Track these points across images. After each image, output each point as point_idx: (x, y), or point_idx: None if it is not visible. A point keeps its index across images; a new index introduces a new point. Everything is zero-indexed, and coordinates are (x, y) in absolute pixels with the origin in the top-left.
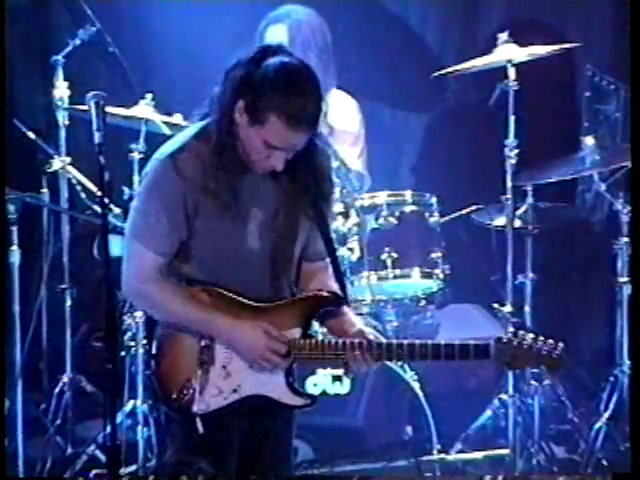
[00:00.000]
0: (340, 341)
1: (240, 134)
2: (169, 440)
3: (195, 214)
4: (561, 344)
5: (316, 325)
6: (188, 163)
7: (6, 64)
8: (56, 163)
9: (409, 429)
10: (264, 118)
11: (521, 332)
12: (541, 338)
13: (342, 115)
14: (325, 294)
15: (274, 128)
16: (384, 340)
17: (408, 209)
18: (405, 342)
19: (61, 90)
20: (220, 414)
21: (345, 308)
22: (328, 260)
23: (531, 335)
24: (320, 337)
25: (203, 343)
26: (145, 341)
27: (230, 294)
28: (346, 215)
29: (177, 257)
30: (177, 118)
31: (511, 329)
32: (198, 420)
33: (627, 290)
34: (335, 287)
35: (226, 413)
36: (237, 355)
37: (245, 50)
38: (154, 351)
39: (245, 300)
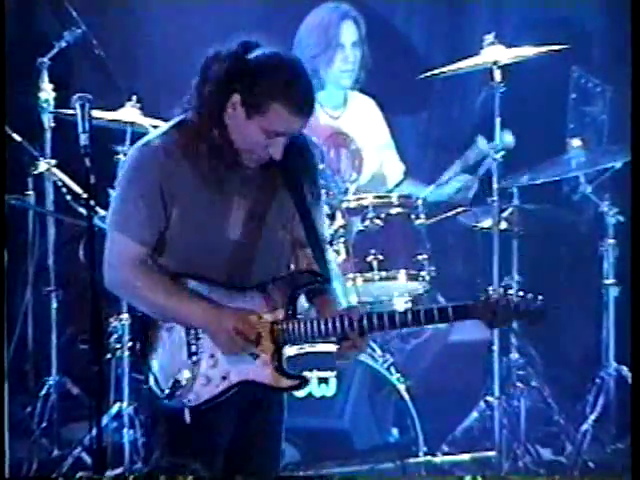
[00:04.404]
0: (322, 320)
1: (233, 127)
2: (155, 441)
3: (172, 203)
4: (540, 297)
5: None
6: (167, 150)
7: None
8: (42, 165)
9: (395, 431)
10: (265, 108)
11: (500, 289)
12: (520, 293)
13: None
14: (303, 274)
15: (277, 115)
16: (363, 313)
17: (394, 211)
18: (385, 313)
19: (47, 92)
20: (211, 406)
21: (332, 288)
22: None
23: (510, 291)
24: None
25: (191, 334)
26: (131, 343)
27: (205, 284)
28: (332, 217)
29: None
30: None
31: (490, 288)
32: (186, 411)
33: (613, 292)
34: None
35: (216, 408)
36: (212, 341)
37: (221, 44)
38: (145, 350)
39: (222, 288)
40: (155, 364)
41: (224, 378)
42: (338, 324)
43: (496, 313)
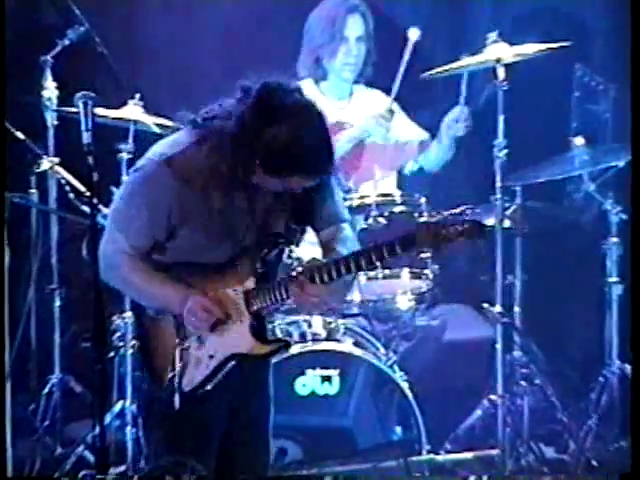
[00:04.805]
0: (282, 278)
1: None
2: (153, 438)
3: (182, 221)
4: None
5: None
6: (184, 170)
7: None
8: (45, 163)
9: (398, 429)
10: (285, 177)
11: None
12: (458, 211)
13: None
14: (266, 239)
15: (297, 182)
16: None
17: (397, 209)
18: (340, 258)
19: (50, 90)
20: (204, 394)
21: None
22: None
23: (447, 213)
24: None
25: (179, 321)
26: (134, 342)
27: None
28: None
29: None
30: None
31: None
32: (176, 396)
33: (616, 290)
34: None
35: (207, 400)
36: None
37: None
38: (142, 348)
39: (201, 269)
40: (153, 362)
41: (211, 357)
42: (294, 279)
43: (438, 236)
